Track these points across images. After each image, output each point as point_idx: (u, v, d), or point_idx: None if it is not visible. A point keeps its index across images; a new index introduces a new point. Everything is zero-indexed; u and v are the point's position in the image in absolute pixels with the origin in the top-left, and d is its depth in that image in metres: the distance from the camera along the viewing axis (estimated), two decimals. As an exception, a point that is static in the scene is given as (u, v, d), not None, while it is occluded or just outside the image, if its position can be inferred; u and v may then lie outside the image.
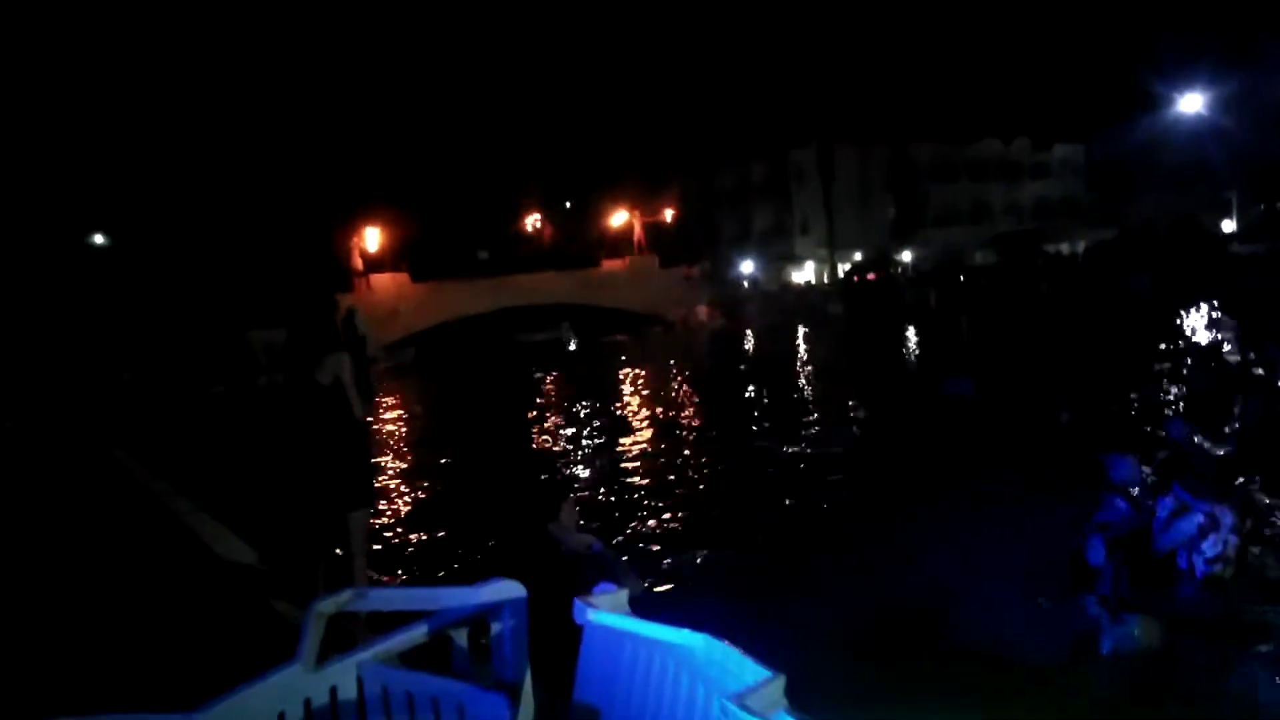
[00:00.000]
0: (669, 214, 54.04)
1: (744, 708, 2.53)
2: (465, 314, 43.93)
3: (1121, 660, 5.07)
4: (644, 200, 51.78)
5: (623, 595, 3.71)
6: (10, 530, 8.80)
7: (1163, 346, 19.39)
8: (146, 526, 8.21)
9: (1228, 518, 5.57)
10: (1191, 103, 50.81)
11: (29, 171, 42.23)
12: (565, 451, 14.60)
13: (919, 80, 71.56)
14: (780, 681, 2.65)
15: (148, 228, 45.87)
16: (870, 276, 52.51)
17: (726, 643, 2.99)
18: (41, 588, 6.89)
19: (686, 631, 3.19)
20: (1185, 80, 49.60)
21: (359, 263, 45.02)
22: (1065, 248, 59.02)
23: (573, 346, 43.08)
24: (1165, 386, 14.66)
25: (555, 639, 4.10)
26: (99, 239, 45.62)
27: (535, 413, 20.23)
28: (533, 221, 55.14)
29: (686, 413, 18.55)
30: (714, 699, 2.90)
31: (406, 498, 11.81)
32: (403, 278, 44.14)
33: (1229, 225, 56.73)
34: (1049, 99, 73.88)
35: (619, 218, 52.01)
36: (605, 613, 3.58)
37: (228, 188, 49.22)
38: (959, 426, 12.43)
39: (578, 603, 3.72)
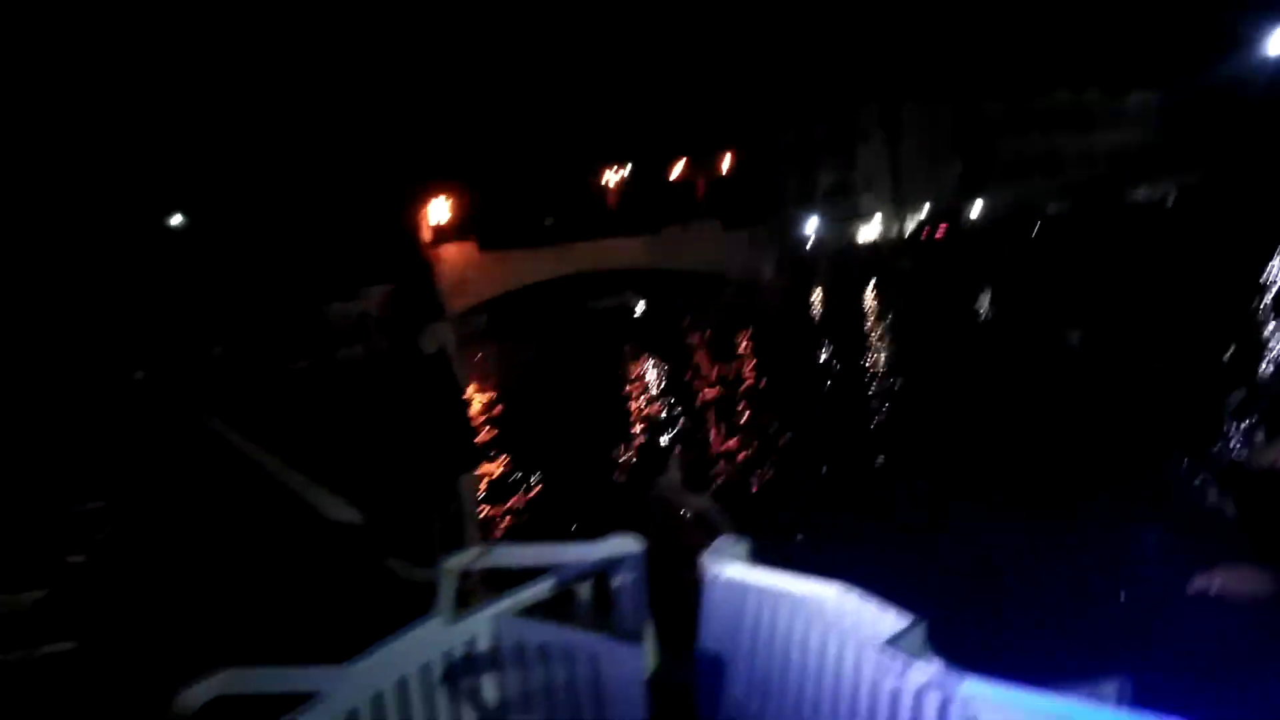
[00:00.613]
0: (733, 175, 53.50)
1: (899, 650, 2.59)
2: (532, 281, 44.26)
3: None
4: (708, 162, 51.32)
5: (743, 549, 3.79)
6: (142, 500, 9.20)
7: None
8: (267, 499, 8.53)
9: None
10: (1277, 43, 48.35)
11: (108, 155, 43.46)
12: (646, 414, 14.73)
13: (985, 33, 69.05)
14: (922, 628, 2.70)
15: (223, 207, 47.03)
16: (939, 232, 51.31)
17: (858, 593, 3.06)
18: (177, 561, 7.24)
19: (815, 582, 3.26)
20: (1264, 20, 47.17)
21: (428, 233, 45.59)
22: (1142, 194, 56.92)
23: (639, 311, 43.19)
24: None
25: (666, 594, 4.21)
26: (176, 219, 46.93)
27: (611, 378, 20.39)
28: (598, 187, 55.09)
29: (763, 375, 18.50)
30: (850, 646, 2.97)
31: (501, 461, 12.05)
32: (470, 247, 44.56)
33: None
34: (1120, 46, 70.66)
35: (684, 181, 51.70)
36: (732, 565, 3.67)
37: (299, 164, 50.10)
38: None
39: (705, 556, 3.81)
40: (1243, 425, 8.69)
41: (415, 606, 4.72)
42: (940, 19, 69.90)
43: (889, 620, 2.80)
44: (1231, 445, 8.08)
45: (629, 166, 57.09)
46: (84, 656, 5.25)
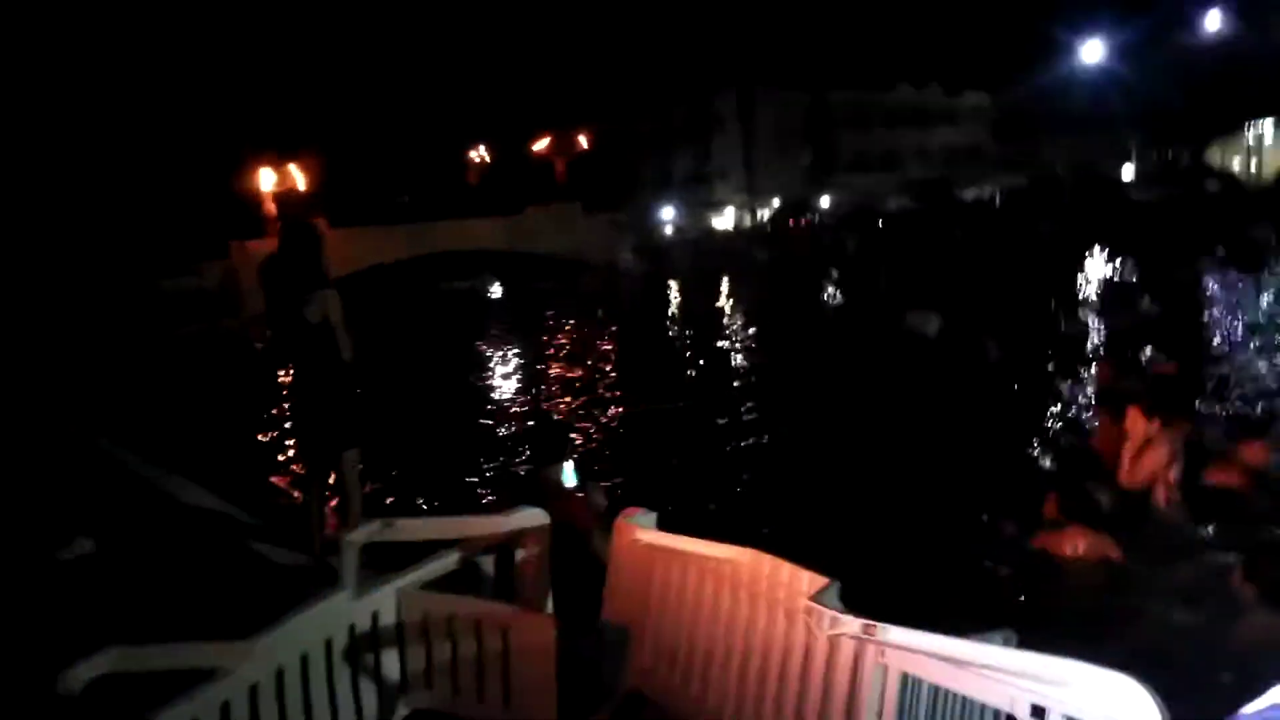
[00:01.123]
0: (593, 159, 53.55)
1: (821, 604, 2.73)
2: (386, 261, 42.92)
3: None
4: (567, 146, 51.15)
5: (652, 518, 3.87)
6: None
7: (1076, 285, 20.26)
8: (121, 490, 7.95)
9: None
10: (1093, 51, 52.43)
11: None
12: (516, 397, 14.65)
13: (838, 24, 71.65)
14: (835, 586, 2.86)
15: (36, 172, 43.16)
16: (802, 222, 53.13)
17: (769, 556, 3.19)
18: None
19: (727, 547, 3.38)
20: (1088, 28, 51.12)
21: (271, 208, 43.43)
22: (971, 194, 60.64)
23: (496, 294, 42.70)
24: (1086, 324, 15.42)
25: (563, 569, 4.26)
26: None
27: (476, 361, 20.13)
28: (457, 165, 53.94)
29: (629, 355, 18.73)
30: (765, 606, 3.09)
31: (380, 438, 11.71)
32: (319, 223, 42.76)
33: (1129, 172, 59.08)
34: (959, 44, 74.76)
35: (544, 162, 51.34)
36: (647, 530, 3.74)
37: (124, 129, 46.61)
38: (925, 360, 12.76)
39: (619, 521, 3.87)
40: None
41: (290, 589, 4.61)
42: (798, 7, 71.97)
43: (803, 580, 2.95)
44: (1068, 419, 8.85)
45: (489, 145, 56.26)
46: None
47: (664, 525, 4.00)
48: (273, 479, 7.87)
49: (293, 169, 44.45)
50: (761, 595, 3.12)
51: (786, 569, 3.07)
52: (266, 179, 43.75)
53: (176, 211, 40.75)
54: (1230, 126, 52.94)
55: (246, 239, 38.07)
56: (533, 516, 4.04)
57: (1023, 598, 5.06)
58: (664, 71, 62.68)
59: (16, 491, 7.42)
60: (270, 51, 55.10)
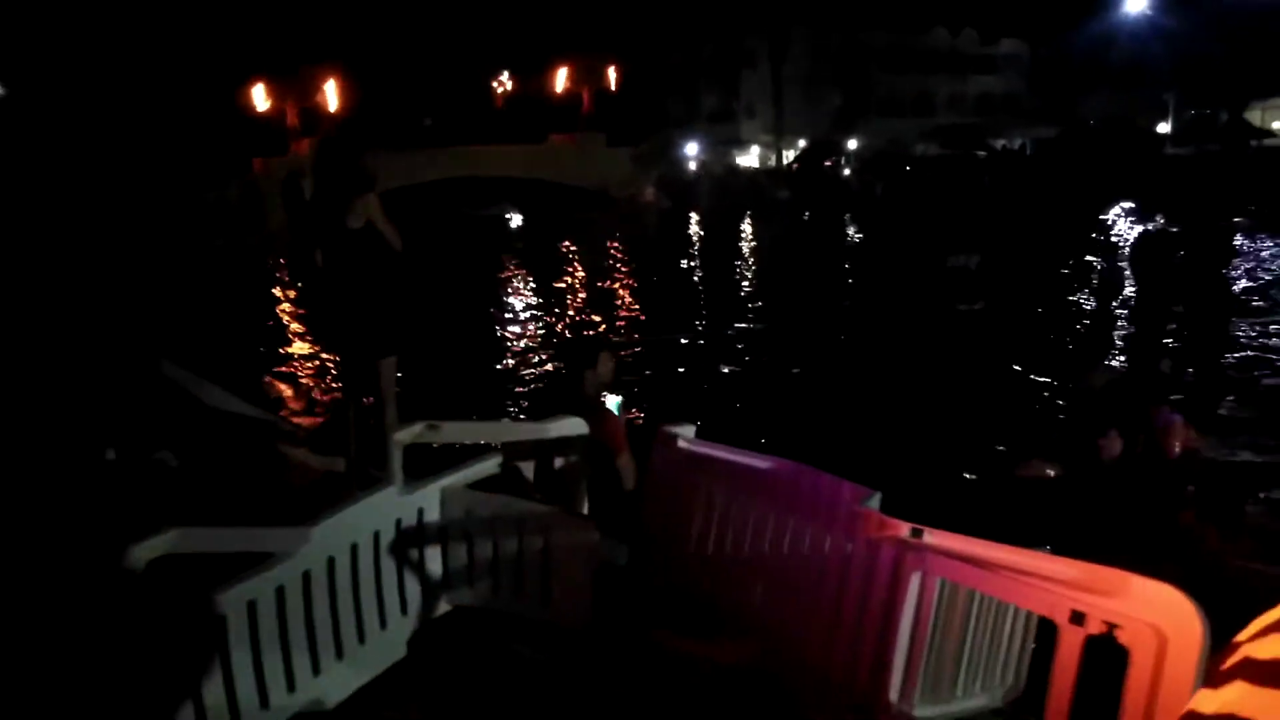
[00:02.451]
0: (616, 86, 52.67)
1: (873, 508, 2.81)
2: (408, 183, 42.68)
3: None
4: (593, 75, 50.29)
5: (690, 430, 3.95)
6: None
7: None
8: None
9: None
10: (1136, 2, 50.88)
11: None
12: (554, 314, 14.70)
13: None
14: (877, 497, 2.94)
15: (58, 80, 42.92)
16: (822, 163, 52.37)
17: (810, 468, 3.26)
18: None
19: (771, 457, 3.46)
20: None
21: (294, 123, 43.12)
22: (1003, 144, 59.53)
23: (518, 223, 42.52)
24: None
25: (599, 481, 4.35)
26: None
27: (507, 285, 20.18)
28: (481, 91, 53.24)
29: (646, 295, 18.72)
30: (806, 515, 3.18)
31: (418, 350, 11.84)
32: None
33: (1164, 128, 57.80)
34: (998, -11, 72.60)
35: (568, 92, 50.55)
36: (684, 440, 3.83)
37: (148, 39, 46.16)
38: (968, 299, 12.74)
39: (662, 429, 3.95)
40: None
41: (329, 491, 4.72)
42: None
43: (844, 490, 3.03)
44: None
45: (513, 72, 55.45)
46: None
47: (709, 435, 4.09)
48: (307, 387, 8.00)
49: (329, 86, 43.99)
50: (801, 504, 3.20)
51: (826, 479, 3.15)
52: (297, 94, 43.37)
53: (205, 129, 40.54)
54: (1273, 86, 51.63)
55: (270, 156, 38.09)
56: (574, 425, 4.13)
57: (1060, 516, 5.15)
58: (695, 4, 61.21)
59: (92, 411, 7.58)
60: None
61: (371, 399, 5.93)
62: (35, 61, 42.37)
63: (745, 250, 27.72)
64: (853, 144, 63.06)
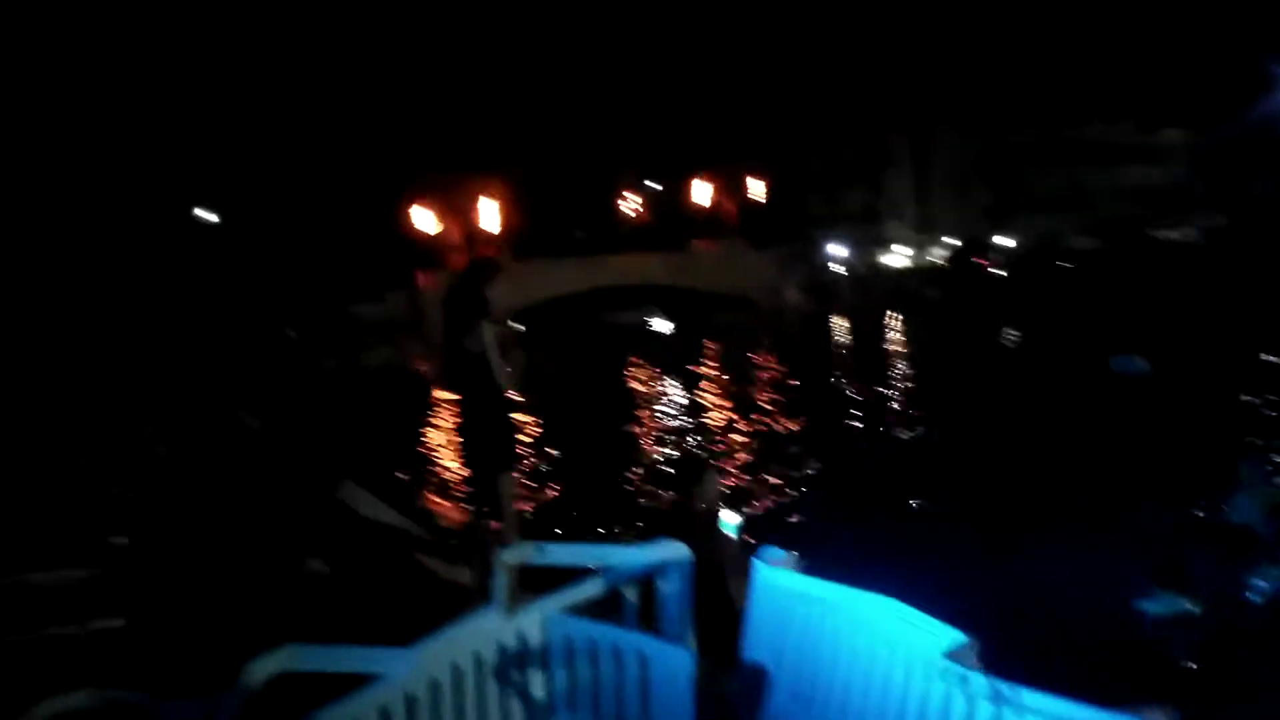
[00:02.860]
0: (760, 196, 53.55)
1: (954, 664, 2.67)
2: (559, 293, 44.41)
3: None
4: (735, 182, 51.40)
5: (793, 559, 3.87)
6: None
7: None
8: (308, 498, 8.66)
9: None
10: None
11: (146, 153, 44.20)
12: (675, 428, 14.81)
13: (1017, 61, 68.81)
14: (975, 644, 2.78)
15: (254, 205, 47.58)
16: (972, 261, 51.15)
17: (912, 609, 3.13)
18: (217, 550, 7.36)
19: (869, 596, 3.34)
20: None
21: (456, 240, 45.88)
22: (1174, 234, 56.55)
23: (662, 328, 43.24)
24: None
25: (707, 604, 4.29)
26: (206, 215, 47.30)
27: (637, 391, 20.51)
28: (627, 202, 55.28)
29: (789, 396, 18.56)
30: (903, 660, 3.04)
31: (539, 464, 12.17)
32: (497, 258, 44.80)
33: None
34: (1155, 81, 70.20)
35: (710, 199, 51.77)
36: (783, 574, 3.75)
37: (330, 165, 50.69)
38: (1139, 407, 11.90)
39: (756, 563, 3.89)
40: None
41: (454, 604, 4.82)
42: (972, 46, 69.74)
43: (944, 636, 2.88)
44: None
45: (658, 182, 57.32)
46: (136, 633, 5.40)
47: (813, 563, 3.99)
48: (447, 499, 8.38)
49: (485, 205, 46.74)
50: (900, 647, 3.07)
51: (927, 622, 3.01)
52: (459, 213, 46.26)
53: (368, 245, 43.85)
54: None
55: (431, 270, 40.66)
56: (674, 549, 4.11)
57: (1196, 669, 4.68)
58: (836, 110, 62.07)
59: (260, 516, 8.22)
60: (463, 89, 58.59)
61: (493, 512, 6.14)
62: (233, 188, 47.25)
63: (892, 353, 27.10)
64: (1004, 240, 61.45)
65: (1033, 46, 73.77)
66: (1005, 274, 47.76)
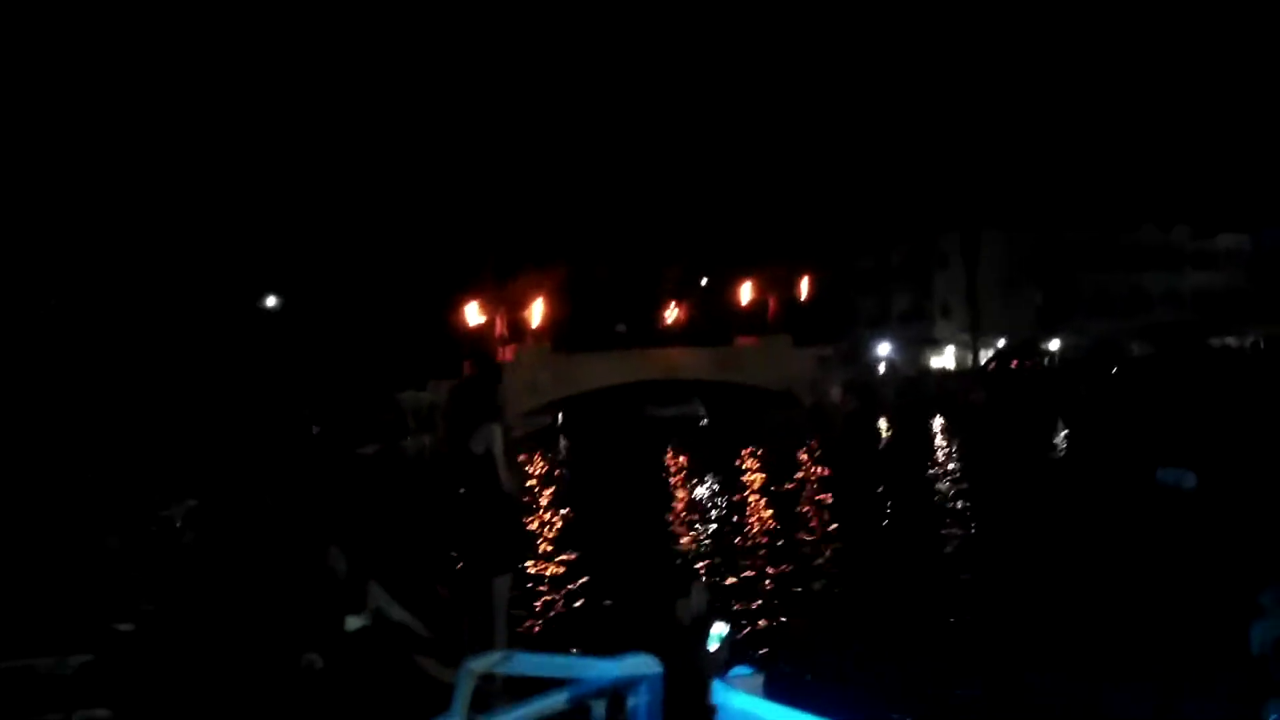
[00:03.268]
0: (805, 293, 53.85)
1: None
2: (602, 385, 44.68)
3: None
4: (781, 279, 51.85)
5: (759, 679, 3.78)
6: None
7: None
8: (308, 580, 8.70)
9: None
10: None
11: (214, 241, 46.42)
12: (697, 529, 14.65)
13: (1072, 163, 69.11)
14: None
15: (312, 292, 49.39)
16: (1014, 364, 50.54)
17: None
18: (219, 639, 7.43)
19: (819, 718, 3.24)
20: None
21: (503, 331, 46.74)
22: (1233, 341, 55.36)
23: (702, 421, 43.14)
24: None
25: (682, 715, 4.19)
26: (271, 301, 49.24)
27: (669, 488, 20.39)
28: (669, 297, 56.06)
29: (820, 499, 18.29)
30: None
31: (546, 564, 12.12)
32: (543, 348, 45.51)
33: None
34: (1213, 185, 69.92)
35: (755, 295, 52.19)
36: (743, 694, 3.66)
37: (384, 255, 52.50)
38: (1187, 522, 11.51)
39: (717, 683, 3.81)
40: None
41: (441, 705, 4.76)
42: (1024, 146, 70.29)
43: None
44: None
45: (705, 278, 58.08)
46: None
47: (786, 684, 3.90)
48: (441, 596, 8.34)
49: (533, 299, 47.77)
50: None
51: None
52: (506, 306, 47.28)
53: (422, 333, 45.04)
54: None
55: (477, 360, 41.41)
56: (644, 664, 4.03)
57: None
58: (888, 208, 62.65)
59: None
60: (517, 184, 60.64)
61: (484, 616, 6.09)
62: (294, 280, 49.16)
63: (937, 458, 26.62)
64: (1056, 344, 60.65)
65: (1089, 146, 74.20)
66: (1051, 379, 46.97)
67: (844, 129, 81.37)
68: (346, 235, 52.80)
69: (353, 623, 7.95)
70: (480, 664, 3.98)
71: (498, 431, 6.02)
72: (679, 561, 11.43)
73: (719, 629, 5.62)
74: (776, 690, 3.65)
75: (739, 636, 5.82)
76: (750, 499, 18.35)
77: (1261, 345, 52.16)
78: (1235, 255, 70.23)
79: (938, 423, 34.77)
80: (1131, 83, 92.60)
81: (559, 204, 60.76)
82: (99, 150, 41.79)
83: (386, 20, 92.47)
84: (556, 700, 4.09)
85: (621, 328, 52.83)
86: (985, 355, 55.95)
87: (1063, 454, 26.28)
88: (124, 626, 7.48)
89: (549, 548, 13.54)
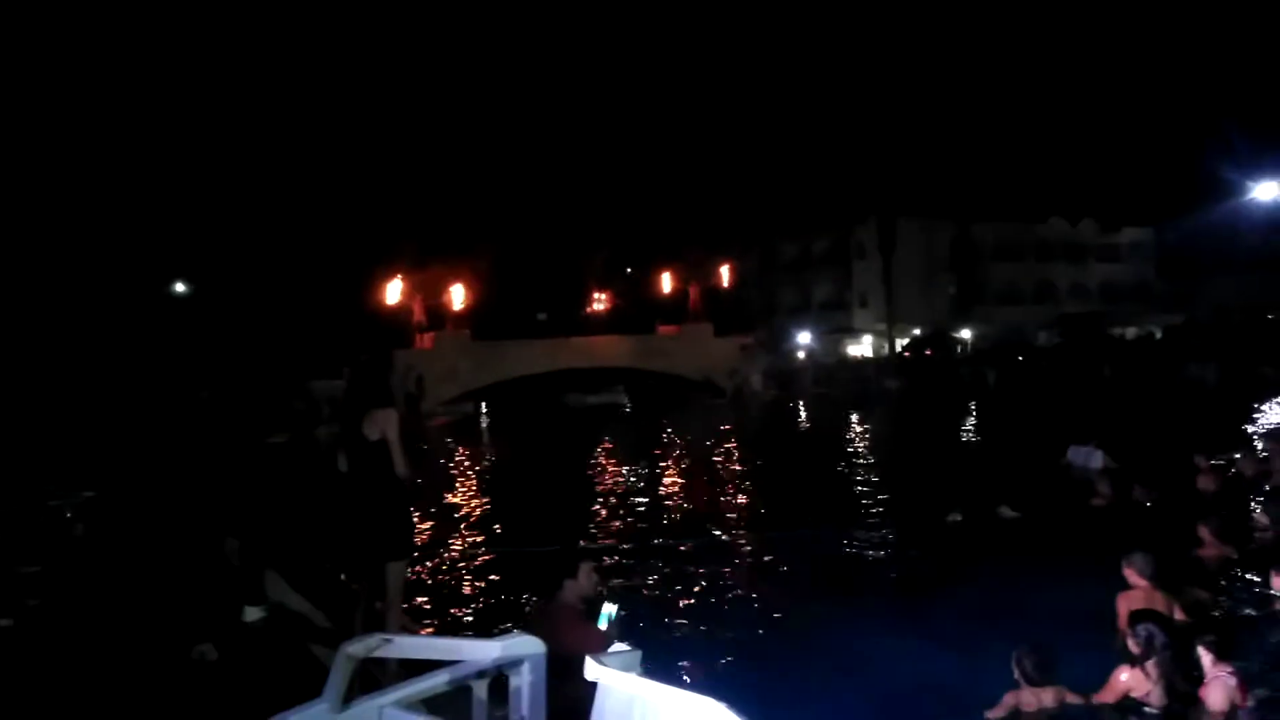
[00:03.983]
0: (726, 282, 54.39)
1: None
2: (523, 374, 44.46)
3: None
4: (702, 267, 52.26)
5: (635, 656, 3.82)
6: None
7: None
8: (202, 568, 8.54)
9: None
10: (1267, 190, 49.78)
11: (116, 222, 44.76)
12: (607, 512, 14.72)
13: (985, 158, 71.36)
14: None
15: (223, 278, 48.03)
16: (927, 353, 52.01)
17: (732, 708, 3.10)
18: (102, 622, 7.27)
19: (694, 695, 3.30)
20: (1263, 166, 48.57)
21: (421, 318, 46.05)
22: (1132, 332, 57.89)
23: (626, 410, 43.32)
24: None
25: (561, 699, 4.23)
26: (180, 287, 47.75)
27: (583, 474, 20.42)
28: (591, 286, 55.98)
29: (731, 484, 18.55)
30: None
31: (448, 549, 12.06)
32: (463, 335, 45.02)
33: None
34: (1119, 180, 72.95)
35: (676, 284, 52.50)
36: (616, 673, 3.70)
37: (296, 241, 51.30)
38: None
39: (590, 661, 3.84)
40: None
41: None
42: (942, 139, 72.23)
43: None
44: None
45: (626, 267, 58.20)
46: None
47: (670, 663, 3.94)
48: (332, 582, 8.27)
49: (452, 285, 47.12)
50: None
51: (736, 721, 2.98)
52: (425, 291, 46.52)
53: (337, 320, 44.13)
54: None
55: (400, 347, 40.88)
56: (526, 644, 4.05)
57: None
58: (807, 199, 63.64)
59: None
60: (436, 169, 59.73)
61: (377, 602, 6.05)
62: (204, 266, 47.74)
63: (850, 442, 27.22)
64: (967, 334, 62.53)
65: (1002, 140, 76.42)
66: (962, 367, 48.47)
67: (766, 118, 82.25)
68: (260, 222, 51.45)
69: (251, 613, 7.87)
70: (357, 648, 3.95)
71: (393, 417, 5.98)
72: (581, 543, 11.49)
73: (608, 609, 5.69)
74: (654, 668, 3.70)
75: (628, 616, 5.86)
76: (663, 482, 18.51)
77: (1157, 335, 54.61)
78: (1139, 248, 73.39)
79: (853, 410, 35.51)
80: (1043, 80, 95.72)
81: (480, 188, 60.16)
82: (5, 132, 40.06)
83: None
84: (437, 681, 4.08)
85: (543, 316, 52.68)
86: (901, 344, 57.38)
87: (972, 437, 27.14)
88: (3, 622, 7.22)
89: (457, 532, 13.48)
